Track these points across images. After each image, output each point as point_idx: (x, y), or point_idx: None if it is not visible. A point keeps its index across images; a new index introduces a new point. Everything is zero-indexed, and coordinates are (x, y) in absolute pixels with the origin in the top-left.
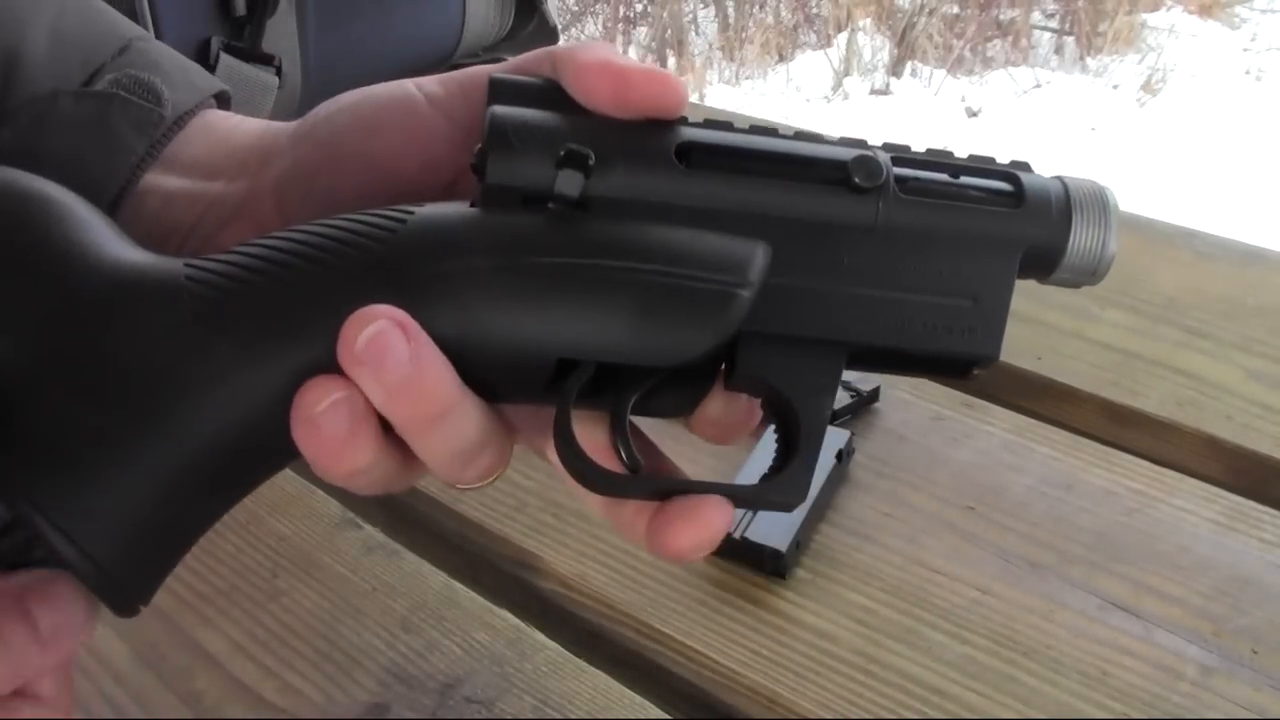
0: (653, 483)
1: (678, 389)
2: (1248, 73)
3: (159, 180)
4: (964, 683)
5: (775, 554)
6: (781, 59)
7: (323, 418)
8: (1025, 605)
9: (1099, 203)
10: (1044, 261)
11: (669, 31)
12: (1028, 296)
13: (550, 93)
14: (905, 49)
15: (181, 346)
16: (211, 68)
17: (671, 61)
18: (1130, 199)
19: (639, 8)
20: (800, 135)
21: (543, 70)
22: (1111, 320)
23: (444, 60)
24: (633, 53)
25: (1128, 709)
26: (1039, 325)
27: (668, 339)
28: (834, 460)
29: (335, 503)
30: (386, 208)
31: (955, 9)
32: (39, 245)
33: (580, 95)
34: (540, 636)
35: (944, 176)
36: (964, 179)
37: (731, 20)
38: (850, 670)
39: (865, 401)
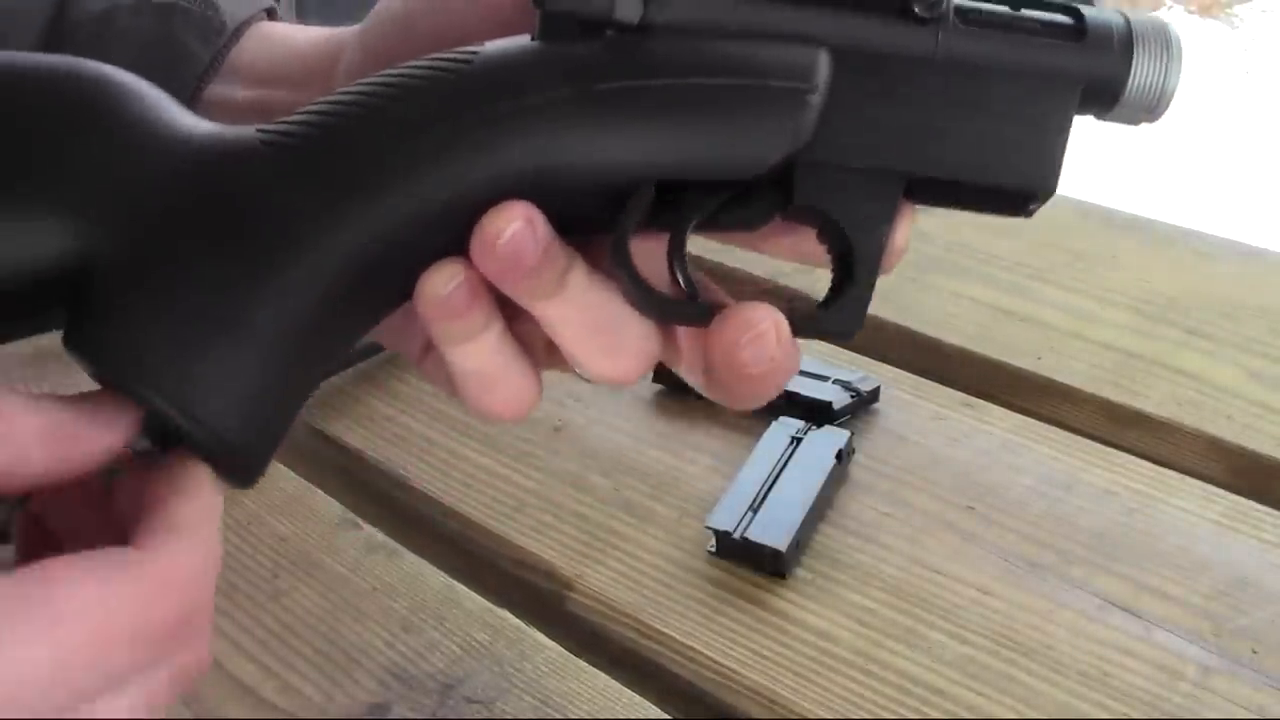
0: (709, 306)
1: (745, 206)
2: (1248, 73)
3: (224, 91)
4: (964, 683)
5: (775, 554)
6: None
7: (451, 295)
8: (1025, 605)
9: (1161, 38)
10: (1104, 95)
11: None
12: (1028, 296)
13: None
14: None
15: (269, 202)
16: None
17: None
18: (1130, 199)
19: None
20: None
21: None
22: (1111, 320)
23: None
24: None
25: (1128, 709)
26: (1039, 325)
27: (744, 148)
28: (834, 460)
29: (335, 503)
30: (449, 50)
31: None
32: (116, 126)
33: None
34: (540, 636)
35: (1004, 9)
36: (1024, 11)
37: None
38: (850, 670)
39: (865, 401)
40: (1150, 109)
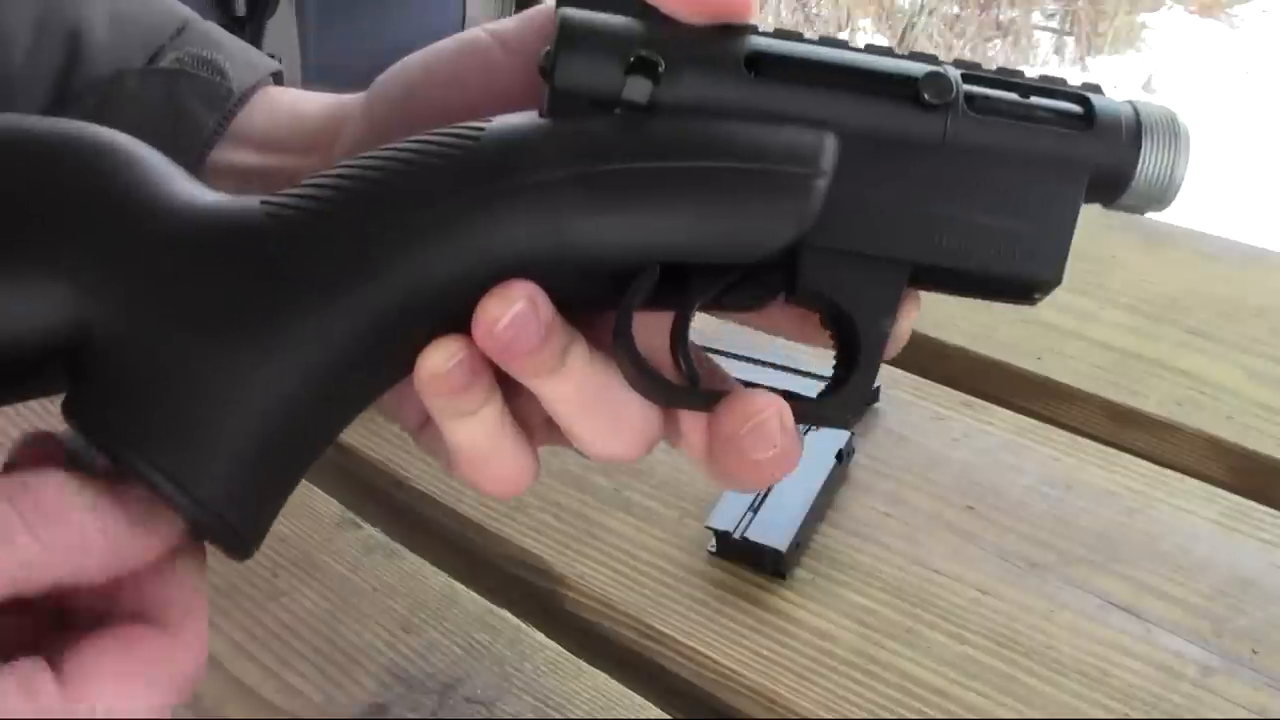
0: (710, 394)
1: (749, 289)
2: (1248, 73)
3: (231, 157)
4: (964, 683)
5: (775, 554)
6: None
7: (451, 373)
8: (1025, 605)
9: (1169, 128)
10: (1112, 184)
11: None
12: None
13: None
14: (905, 49)
15: (271, 275)
16: None
17: None
18: None
19: None
20: (870, 49)
21: None
22: (1111, 320)
23: None
24: None
25: (1128, 709)
26: (1039, 325)
27: (750, 232)
28: (834, 460)
29: (335, 503)
30: (455, 125)
31: (955, 9)
32: (118, 192)
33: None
34: (540, 636)
35: (1013, 96)
36: (1033, 99)
37: None
38: (850, 670)
39: (865, 402)
40: (1159, 198)
